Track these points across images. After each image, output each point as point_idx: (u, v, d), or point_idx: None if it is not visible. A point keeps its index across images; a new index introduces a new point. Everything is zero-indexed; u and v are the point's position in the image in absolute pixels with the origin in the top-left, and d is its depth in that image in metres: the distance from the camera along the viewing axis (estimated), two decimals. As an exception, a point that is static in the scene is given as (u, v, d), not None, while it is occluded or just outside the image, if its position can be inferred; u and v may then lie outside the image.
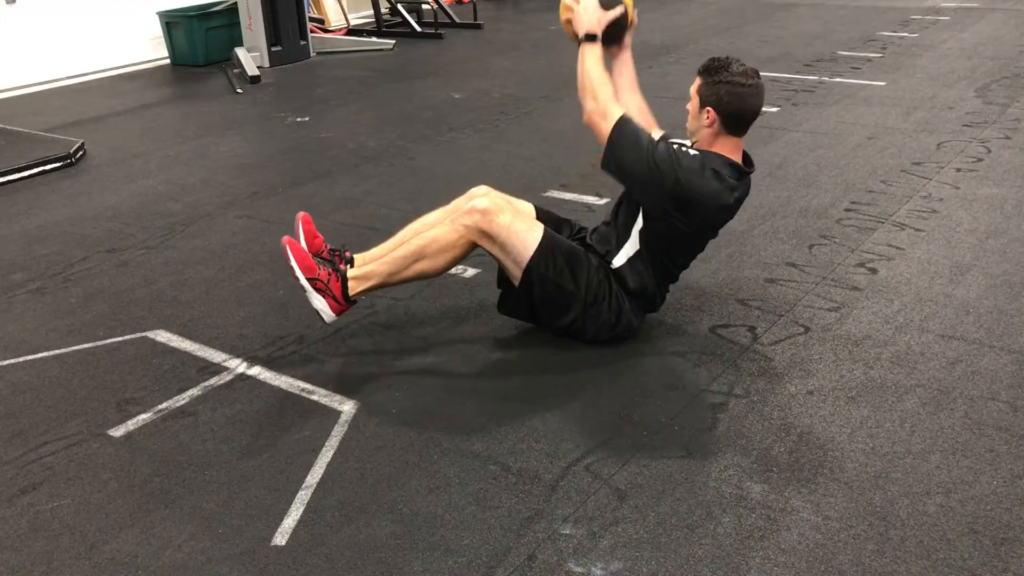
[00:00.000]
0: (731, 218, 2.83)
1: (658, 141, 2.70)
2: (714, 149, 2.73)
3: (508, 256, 2.76)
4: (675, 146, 2.69)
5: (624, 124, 2.69)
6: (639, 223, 2.79)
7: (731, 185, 2.69)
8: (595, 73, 2.76)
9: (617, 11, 2.86)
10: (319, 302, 2.75)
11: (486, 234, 2.72)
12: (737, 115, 2.68)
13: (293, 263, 2.73)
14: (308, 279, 2.73)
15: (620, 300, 2.81)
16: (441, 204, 3.03)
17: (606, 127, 2.69)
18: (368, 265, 2.82)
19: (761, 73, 2.73)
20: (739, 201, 2.76)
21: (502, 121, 5.52)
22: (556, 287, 2.76)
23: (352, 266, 2.85)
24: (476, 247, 2.77)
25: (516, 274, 2.79)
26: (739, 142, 2.75)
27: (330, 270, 2.78)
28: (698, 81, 2.72)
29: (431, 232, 2.79)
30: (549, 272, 2.75)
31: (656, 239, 2.78)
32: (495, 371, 2.80)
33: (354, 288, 2.79)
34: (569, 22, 2.89)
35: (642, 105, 3.06)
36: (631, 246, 2.81)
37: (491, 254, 2.79)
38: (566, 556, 2.02)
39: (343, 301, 2.78)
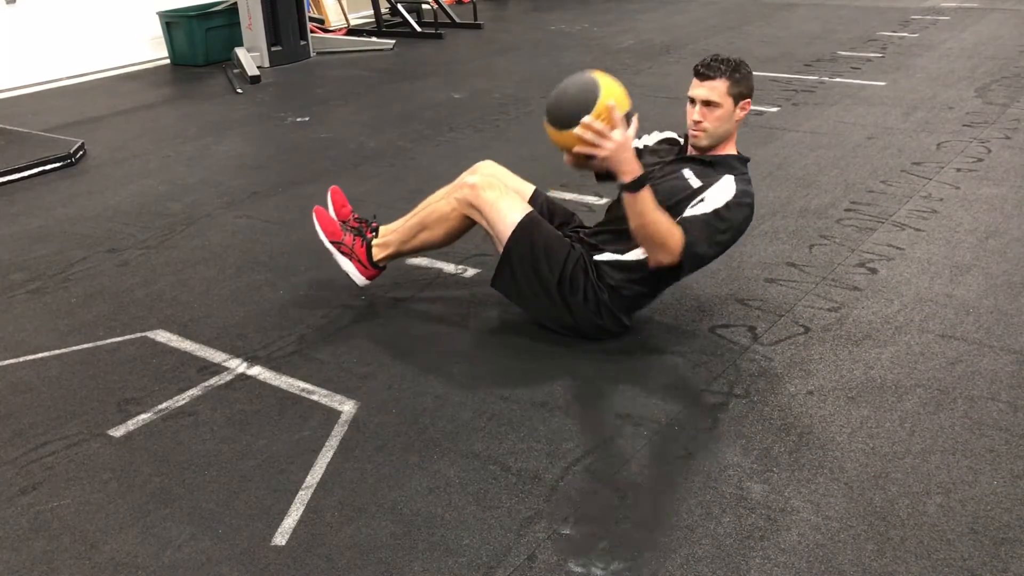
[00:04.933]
0: None
1: (719, 208, 2.65)
2: (733, 143, 2.87)
3: (493, 231, 2.86)
4: (726, 196, 2.69)
5: (690, 247, 2.58)
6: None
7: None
8: (661, 221, 2.52)
9: (634, 126, 2.51)
10: (347, 264, 3.05)
11: (473, 207, 2.86)
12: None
13: (318, 227, 3.05)
14: (332, 242, 3.04)
15: (597, 292, 2.79)
16: (441, 204, 3.03)
17: (678, 255, 2.59)
18: (388, 235, 3.07)
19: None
20: None
21: (502, 121, 5.52)
22: (533, 270, 2.80)
23: (377, 235, 3.07)
24: (470, 220, 2.91)
25: (500, 250, 2.87)
26: None
27: (355, 236, 3.05)
28: (724, 84, 2.71)
29: (432, 205, 3.01)
30: (526, 253, 2.79)
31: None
32: (495, 371, 2.80)
33: (377, 254, 3.05)
34: (582, 157, 2.50)
35: None
36: (637, 254, 2.77)
37: (483, 228, 2.92)
38: (566, 556, 2.02)
39: (369, 266, 3.05)
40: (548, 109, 2.57)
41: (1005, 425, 2.43)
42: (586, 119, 2.44)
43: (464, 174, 3.09)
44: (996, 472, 2.25)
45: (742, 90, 2.77)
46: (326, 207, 3.21)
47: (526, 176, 3.21)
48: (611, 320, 2.84)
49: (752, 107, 2.88)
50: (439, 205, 2.96)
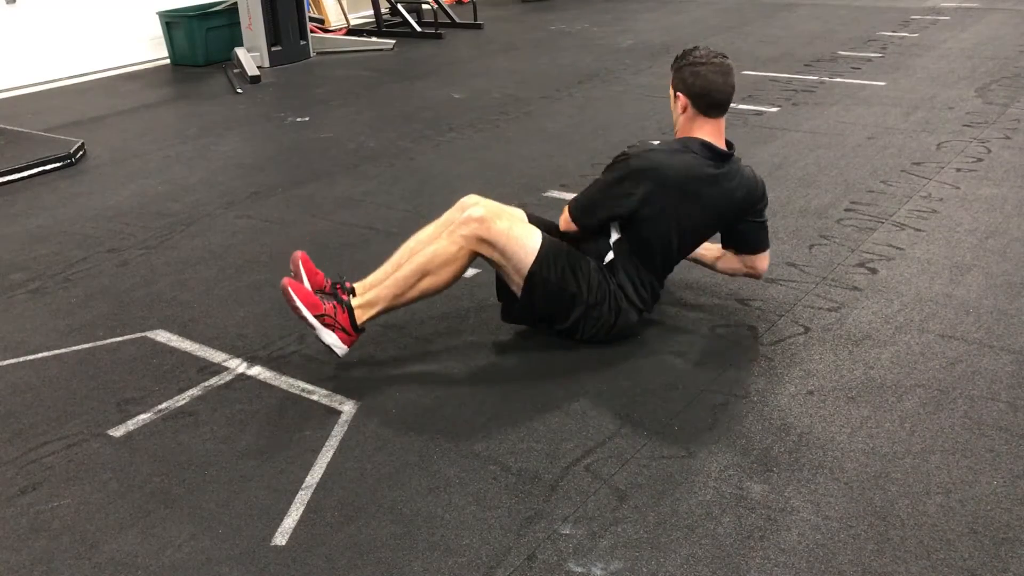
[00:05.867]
0: (724, 202, 2.83)
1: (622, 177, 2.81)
2: (698, 132, 2.83)
3: (509, 262, 2.75)
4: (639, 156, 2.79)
5: (573, 211, 2.88)
6: (613, 235, 2.85)
7: (707, 163, 2.77)
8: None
9: None
10: (330, 337, 2.71)
11: (486, 241, 2.70)
12: (704, 94, 2.76)
13: (298, 303, 2.69)
14: (316, 316, 2.69)
15: (619, 299, 2.81)
16: (441, 204, 3.03)
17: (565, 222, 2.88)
18: (371, 291, 2.78)
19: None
20: (732, 186, 2.81)
21: (502, 121, 5.52)
22: (559, 289, 2.76)
23: (354, 295, 2.81)
24: (477, 256, 2.75)
25: (517, 280, 2.77)
26: (718, 125, 2.82)
27: (335, 303, 2.74)
28: (671, 74, 2.88)
29: (430, 248, 2.75)
30: (552, 275, 2.75)
31: (635, 244, 2.82)
32: (495, 371, 2.80)
33: (361, 316, 2.74)
34: None
35: None
36: (608, 254, 2.85)
37: (491, 262, 2.77)
38: (566, 556, 2.02)
39: (352, 331, 2.74)
40: None
41: (1005, 425, 2.43)
42: None
43: (451, 212, 2.91)
44: (996, 472, 2.25)
45: (675, 82, 2.84)
46: (297, 268, 2.89)
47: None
48: (623, 327, 2.85)
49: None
50: (442, 247, 2.72)
